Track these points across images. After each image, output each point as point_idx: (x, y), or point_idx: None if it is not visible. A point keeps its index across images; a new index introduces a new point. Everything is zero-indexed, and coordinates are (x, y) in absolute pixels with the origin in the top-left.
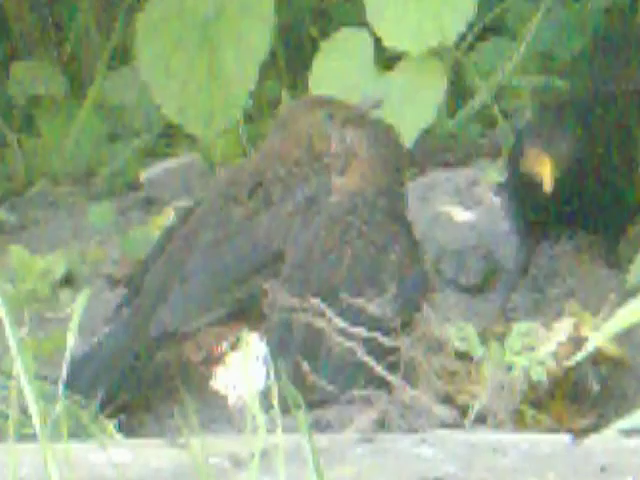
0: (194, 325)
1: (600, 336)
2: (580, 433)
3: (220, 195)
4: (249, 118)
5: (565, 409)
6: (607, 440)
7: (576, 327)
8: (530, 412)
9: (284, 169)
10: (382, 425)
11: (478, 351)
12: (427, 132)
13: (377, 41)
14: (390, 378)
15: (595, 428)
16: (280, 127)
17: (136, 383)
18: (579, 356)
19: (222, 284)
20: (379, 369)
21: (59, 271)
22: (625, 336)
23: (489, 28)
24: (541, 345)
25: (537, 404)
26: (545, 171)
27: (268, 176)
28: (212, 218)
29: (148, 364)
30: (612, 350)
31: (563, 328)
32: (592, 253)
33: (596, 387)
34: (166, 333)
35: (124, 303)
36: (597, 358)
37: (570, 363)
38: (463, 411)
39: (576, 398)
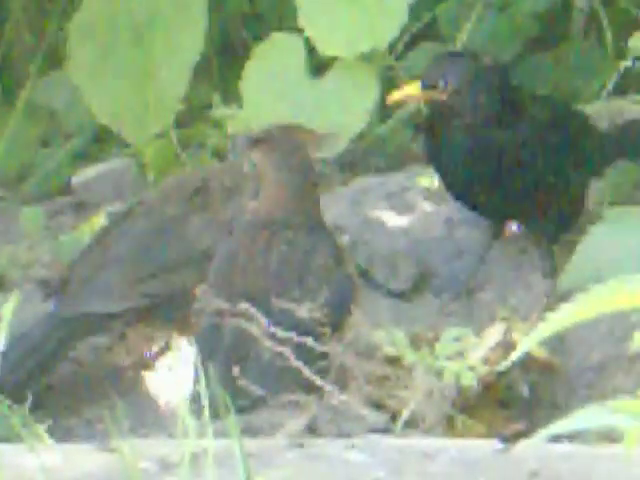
0: (114, 308)
1: (530, 340)
2: (510, 439)
3: (159, 196)
4: (181, 122)
5: (496, 415)
6: (537, 446)
7: (507, 332)
8: (460, 418)
9: (231, 180)
10: (312, 430)
11: (409, 356)
12: (359, 137)
13: (309, 46)
14: (320, 383)
15: (525, 434)
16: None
17: (54, 373)
18: (509, 360)
19: (144, 273)
20: (309, 374)
21: None
22: (556, 342)
23: (421, 34)
24: (472, 351)
25: (468, 410)
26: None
27: (212, 184)
28: (146, 214)
29: (67, 350)
30: (542, 355)
31: (494, 333)
32: (524, 259)
33: (526, 393)
34: (86, 315)
35: (49, 296)
36: (528, 364)
37: (500, 368)
38: (393, 416)
39: (507, 404)
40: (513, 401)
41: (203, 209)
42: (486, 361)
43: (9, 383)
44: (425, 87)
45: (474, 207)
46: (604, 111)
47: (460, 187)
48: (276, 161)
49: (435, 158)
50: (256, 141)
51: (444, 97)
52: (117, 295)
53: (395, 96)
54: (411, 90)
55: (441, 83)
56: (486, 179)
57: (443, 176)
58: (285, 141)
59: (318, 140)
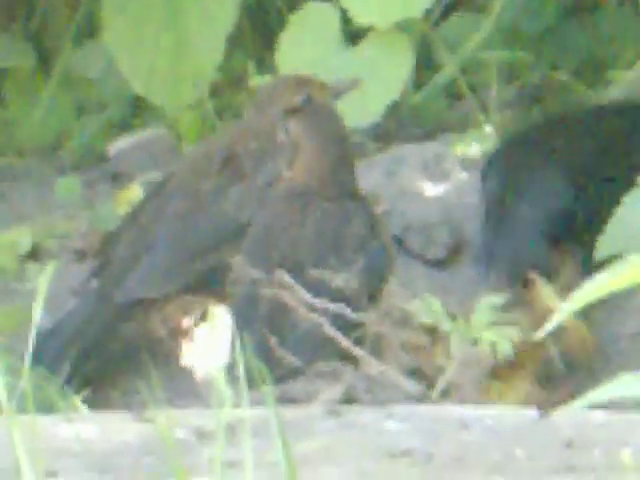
0: (159, 293)
1: (566, 310)
2: (546, 407)
3: (190, 168)
4: (216, 92)
5: (533, 385)
6: (573, 415)
7: (542, 301)
8: (496, 386)
9: (256, 143)
10: (348, 399)
11: (444, 325)
12: (394, 106)
13: (344, 15)
14: (356, 352)
15: (561, 403)
16: (257, 105)
17: (102, 355)
18: (545, 329)
19: (188, 254)
20: (345, 343)
21: (25, 245)
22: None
23: (456, 2)
24: (508, 319)
25: (504, 379)
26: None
27: (239, 150)
28: (182, 190)
29: (114, 334)
30: (575, 325)
31: (530, 302)
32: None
33: (560, 365)
34: (131, 301)
35: (92, 275)
36: (562, 333)
37: (538, 336)
38: (429, 385)
39: (544, 375)
40: (549, 371)
41: (236, 179)
42: (523, 330)
43: (49, 359)
44: None
45: None
46: (638, 80)
47: None
48: (312, 130)
49: None
50: (293, 110)
51: None
52: (163, 279)
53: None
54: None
55: None
56: None
57: None
58: (321, 110)
59: (332, 91)
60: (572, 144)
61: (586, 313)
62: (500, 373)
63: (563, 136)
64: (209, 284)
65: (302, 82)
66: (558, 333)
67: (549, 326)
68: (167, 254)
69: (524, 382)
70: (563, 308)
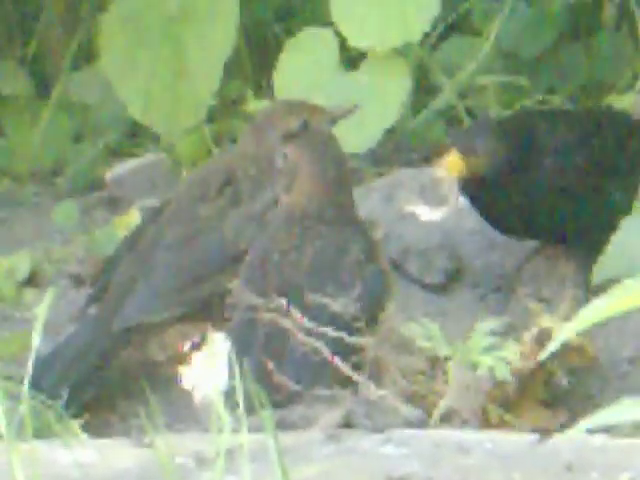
0: (157, 319)
1: (566, 332)
2: (545, 432)
3: (188, 193)
4: (214, 117)
5: (537, 413)
6: (572, 438)
7: (541, 326)
8: (496, 411)
9: (255, 168)
10: (347, 424)
11: (443, 350)
12: (391, 131)
13: (342, 40)
14: (355, 377)
15: (563, 427)
16: (255, 129)
17: (101, 381)
18: (547, 351)
19: (187, 280)
20: (344, 368)
21: (23, 270)
22: (589, 334)
23: (454, 26)
24: (507, 344)
25: (507, 407)
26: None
27: (238, 174)
28: (180, 215)
29: (112, 360)
30: (579, 342)
31: (529, 328)
32: (558, 252)
33: (565, 384)
34: (129, 327)
35: (90, 301)
36: (565, 356)
37: (537, 359)
38: (428, 410)
39: (547, 401)
40: (553, 397)
41: (234, 204)
42: (522, 356)
43: (48, 385)
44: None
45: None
46: (636, 104)
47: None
48: (310, 155)
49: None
50: (290, 135)
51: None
52: (161, 305)
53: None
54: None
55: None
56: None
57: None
58: (319, 135)
59: (331, 117)
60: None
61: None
62: (503, 400)
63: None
64: (208, 310)
65: (299, 107)
66: (560, 351)
67: (551, 347)
68: (165, 280)
69: (529, 410)
70: (564, 330)
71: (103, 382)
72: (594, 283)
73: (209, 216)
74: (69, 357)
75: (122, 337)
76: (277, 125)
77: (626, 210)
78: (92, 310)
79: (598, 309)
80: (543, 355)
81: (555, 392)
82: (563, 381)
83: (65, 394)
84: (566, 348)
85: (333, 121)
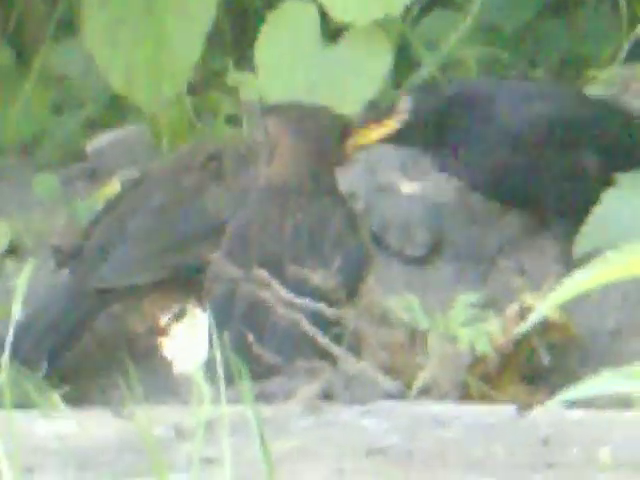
0: (134, 282)
1: (546, 305)
2: (525, 406)
3: (172, 164)
4: (194, 89)
5: (518, 388)
6: (551, 412)
7: (523, 301)
8: (477, 385)
9: (246, 148)
10: (327, 396)
11: (423, 322)
12: (372, 103)
13: (323, 13)
14: (335, 349)
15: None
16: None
17: (78, 348)
18: (526, 325)
19: (165, 246)
20: (324, 340)
21: (4, 242)
22: (570, 308)
23: (435, 0)
24: (488, 318)
25: (486, 379)
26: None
27: (226, 151)
28: (162, 184)
29: (89, 325)
30: (560, 318)
31: (511, 302)
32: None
33: (546, 360)
34: (106, 290)
35: (62, 264)
36: (546, 330)
37: (517, 332)
38: (408, 383)
39: (529, 377)
40: (534, 372)
41: (218, 178)
42: (504, 331)
43: (26, 354)
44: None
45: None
46: (617, 78)
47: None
48: (290, 127)
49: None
50: (271, 108)
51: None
52: (138, 268)
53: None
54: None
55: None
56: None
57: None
58: (299, 108)
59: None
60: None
61: (565, 311)
62: (484, 376)
63: None
64: (186, 279)
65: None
66: (542, 327)
67: (530, 321)
68: (143, 244)
69: (510, 386)
70: (544, 304)
71: (81, 349)
72: (576, 257)
73: (191, 186)
74: (45, 323)
75: (99, 300)
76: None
77: (604, 183)
78: (64, 276)
79: (578, 282)
80: (523, 328)
81: (536, 368)
82: (544, 357)
83: (44, 363)
84: (548, 325)
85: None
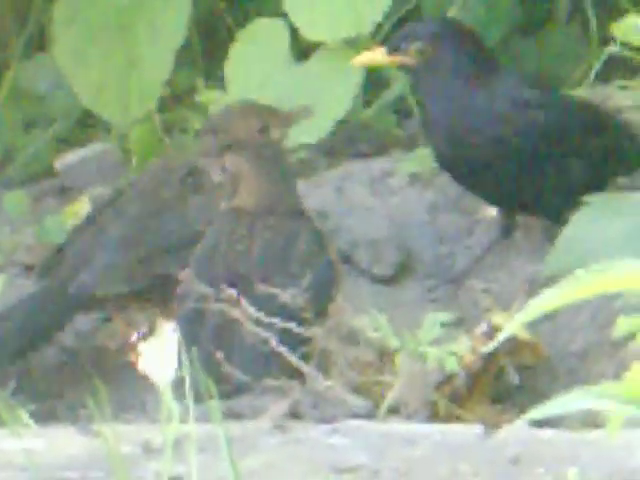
0: (115, 289)
1: (514, 324)
2: (492, 424)
3: (151, 178)
4: (164, 107)
5: (487, 409)
6: (519, 431)
7: (492, 321)
8: (445, 405)
9: (212, 162)
10: (295, 415)
11: (392, 342)
12: (342, 122)
13: (293, 30)
14: (303, 368)
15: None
16: (212, 130)
17: (49, 365)
18: (493, 343)
19: (146, 254)
20: (292, 358)
21: None
22: (538, 329)
23: (405, 18)
24: (457, 338)
25: (454, 398)
26: None
27: (199, 166)
28: (141, 196)
29: (58, 330)
30: (528, 338)
31: (480, 322)
32: (508, 244)
33: (516, 380)
34: (84, 295)
35: (37, 280)
36: (515, 350)
37: (485, 350)
38: (376, 402)
39: (498, 398)
40: (502, 392)
41: (197, 190)
42: (472, 350)
43: None
44: (390, 52)
45: (473, 187)
46: (592, 96)
47: (450, 164)
48: (250, 159)
49: (426, 134)
50: (225, 147)
51: (411, 60)
52: (119, 276)
53: (359, 60)
54: (376, 55)
55: (403, 45)
56: (475, 152)
57: (437, 156)
58: (252, 140)
59: (285, 119)
60: None
61: (534, 331)
62: (453, 396)
63: None
64: (161, 291)
65: (257, 111)
66: (512, 348)
67: (497, 339)
68: (123, 252)
69: (479, 407)
70: (512, 322)
71: (49, 365)
72: (545, 276)
73: (171, 198)
74: (14, 325)
75: (75, 304)
76: (235, 128)
77: (587, 186)
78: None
79: (546, 301)
80: (489, 347)
81: (505, 388)
82: (513, 377)
83: (12, 381)
84: (517, 345)
85: (288, 123)
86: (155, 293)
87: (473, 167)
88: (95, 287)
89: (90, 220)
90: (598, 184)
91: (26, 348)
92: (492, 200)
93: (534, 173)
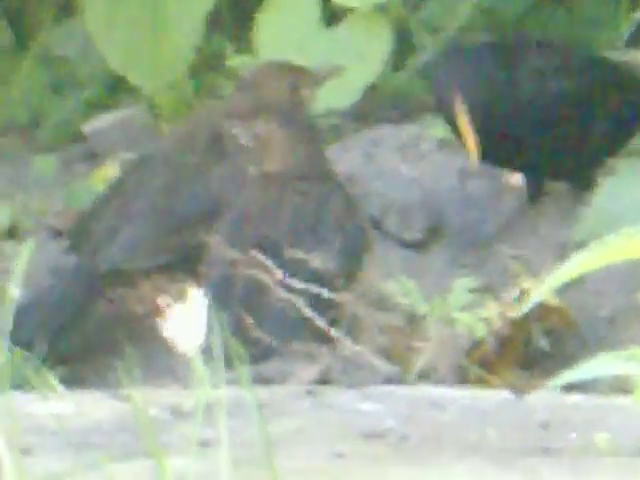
0: (142, 264)
1: (543, 289)
2: (521, 390)
3: (174, 145)
4: (194, 72)
5: (512, 370)
6: (549, 397)
7: (521, 287)
8: (474, 370)
9: (241, 126)
10: (325, 380)
11: (421, 307)
12: (372, 87)
13: None
14: (332, 333)
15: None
16: (243, 89)
17: (79, 332)
18: (523, 309)
19: (171, 228)
20: (321, 323)
21: (2, 223)
22: (568, 294)
23: None
24: (486, 303)
25: (483, 363)
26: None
27: (224, 130)
28: (165, 165)
29: (93, 307)
30: (557, 305)
31: (509, 287)
32: (538, 209)
33: (545, 345)
34: (112, 272)
35: (68, 251)
36: (544, 316)
37: (514, 316)
38: (406, 367)
39: (527, 363)
40: (531, 358)
41: (220, 158)
42: (502, 316)
43: (28, 335)
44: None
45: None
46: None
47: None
48: (280, 124)
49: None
50: (254, 112)
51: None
52: (146, 250)
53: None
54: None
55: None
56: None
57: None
58: (282, 103)
59: (315, 78)
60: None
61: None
62: (483, 361)
63: None
64: (190, 262)
65: (287, 70)
66: (540, 313)
67: (527, 305)
68: (149, 225)
69: (509, 372)
70: (541, 288)
71: (81, 333)
72: (575, 241)
73: (195, 166)
74: (48, 307)
75: (104, 282)
76: (265, 86)
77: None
78: (69, 260)
79: (575, 266)
80: (520, 312)
81: (534, 353)
82: (542, 343)
83: (44, 345)
84: (546, 310)
85: (319, 82)
86: (183, 263)
87: (499, 136)
88: (123, 262)
89: (115, 189)
90: (622, 146)
91: (61, 328)
92: (517, 167)
93: (558, 139)
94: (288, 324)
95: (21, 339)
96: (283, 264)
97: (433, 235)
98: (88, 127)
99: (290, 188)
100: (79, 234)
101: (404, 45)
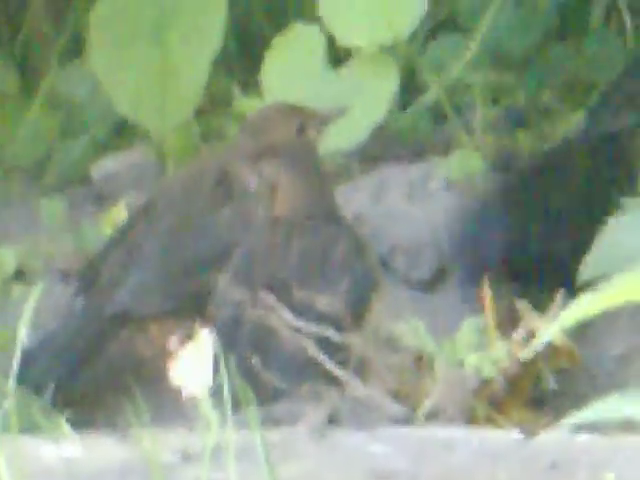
0: (151, 309)
1: (552, 329)
2: (530, 430)
3: (181, 188)
4: (201, 113)
5: (521, 409)
6: (558, 437)
7: (529, 326)
8: (483, 410)
9: (248, 168)
10: (333, 421)
11: (430, 347)
12: (379, 128)
13: (329, 37)
14: (341, 374)
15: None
16: (249, 131)
17: (88, 374)
18: (532, 349)
19: (180, 270)
20: (330, 365)
21: (10, 266)
22: (577, 333)
23: (441, 24)
24: (494, 342)
25: (492, 403)
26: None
27: (231, 171)
28: (173, 208)
29: (101, 351)
30: (565, 344)
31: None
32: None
33: (552, 384)
34: (119, 316)
35: (78, 294)
36: (552, 355)
37: (523, 356)
38: (415, 408)
39: (536, 402)
40: (540, 397)
41: (227, 200)
42: (510, 355)
43: (35, 378)
44: None
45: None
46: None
47: None
48: (287, 166)
49: None
50: (260, 155)
51: None
52: (155, 294)
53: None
54: None
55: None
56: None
57: None
58: (289, 146)
59: (321, 119)
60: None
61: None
62: (491, 400)
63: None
64: (198, 305)
65: (294, 111)
66: (548, 353)
67: (536, 345)
68: (158, 269)
69: (518, 412)
70: (550, 328)
71: (90, 376)
72: (581, 281)
73: (202, 210)
74: (56, 350)
75: (112, 326)
76: (271, 129)
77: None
78: (78, 303)
79: (584, 306)
80: (528, 353)
81: (543, 393)
82: (551, 382)
83: (51, 387)
84: (555, 350)
85: (325, 123)
86: (192, 306)
87: None
88: (132, 306)
89: (124, 232)
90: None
91: (70, 371)
92: None
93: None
94: (296, 365)
95: (30, 382)
96: (291, 306)
97: (442, 275)
98: (96, 169)
99: (298, 229)
100: (88, 277)
101: (410, 84)
